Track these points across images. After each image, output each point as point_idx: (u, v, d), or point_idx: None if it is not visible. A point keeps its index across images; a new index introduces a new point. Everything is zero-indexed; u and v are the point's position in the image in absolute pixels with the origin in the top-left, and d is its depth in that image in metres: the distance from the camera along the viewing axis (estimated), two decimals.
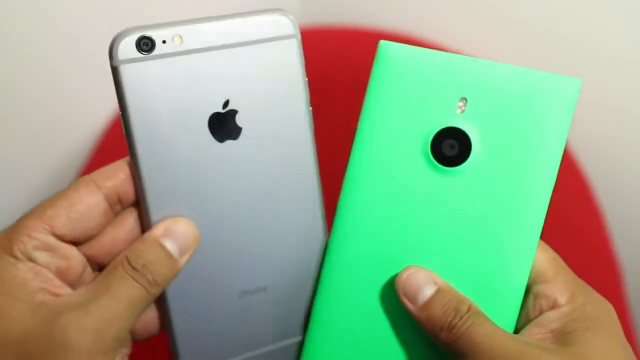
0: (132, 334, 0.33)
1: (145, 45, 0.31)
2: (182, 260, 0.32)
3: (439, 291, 0.32)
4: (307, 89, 0.34)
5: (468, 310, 0.31)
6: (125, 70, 0.31)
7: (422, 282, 0.32)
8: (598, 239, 0.63)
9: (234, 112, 0.33)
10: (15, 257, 0.30)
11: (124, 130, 0.32)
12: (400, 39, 0.36)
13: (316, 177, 0.35)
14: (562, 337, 0.30)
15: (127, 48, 0.31)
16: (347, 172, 0.34)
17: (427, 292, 0.32)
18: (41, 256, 0.30)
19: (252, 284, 0.34)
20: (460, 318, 0.30)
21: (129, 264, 0.30)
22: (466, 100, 0.32)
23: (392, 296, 0.33)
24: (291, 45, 0.33)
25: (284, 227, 0.34)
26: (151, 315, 0.34)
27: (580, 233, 0.62)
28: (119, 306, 0.29)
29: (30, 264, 0.30)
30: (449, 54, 0.33)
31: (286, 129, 0.34)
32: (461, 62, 0.33)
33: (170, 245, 0.31)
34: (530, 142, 0.32)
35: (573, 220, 0.61)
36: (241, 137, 0.33)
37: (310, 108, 0.34)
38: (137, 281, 0.30)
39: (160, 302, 0.34)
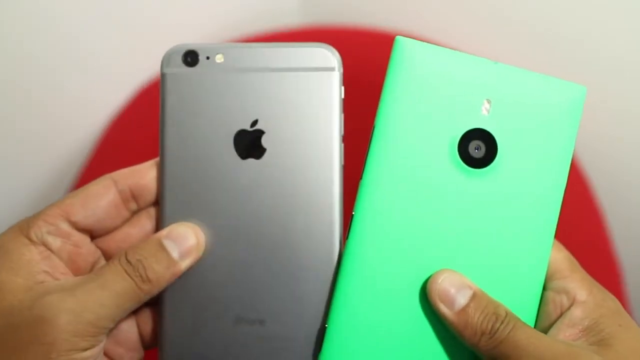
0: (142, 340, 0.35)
1: (191, 59, 0.34)
2: (182, 264, 0.32)
3: (475, 295, 0.31)
4: (342, 124, 0.34)
5: (507, 315, 0.31)
6: (169, 79, 0.34)
7: (458, 287, 0.31)
8: (598, 239, 0.63)
9: (260, 133, 0.33)
10: (30, 239, 0.32)
11: (159, 132, 0.34)
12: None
13: (338, 215, 0.33)
14: (596, 334, 0.30)
15: (175, 59, 0.34)
16: (365, 174, 0.33)
17: (464, 296, 0.31)
18: (55, 241, 0.32)
19: (251, 313, 0.33)
20: (502, 322, 0.30)
21: (125, 257, 0.31)
22: (490, 101, 0.32)
23: (416, 301, 0.32)
24: (331, 78, 0.33)
25: (293, 263, 0.33)
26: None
27: (580, 233, 0.62)
28: (103, 293, 0.30)
29: (42, 248, 0.32)
30: (467, 54, 0.33)
31: (312, 159, 0.33)
32: (482, 63, 0.33)
33: (169, 246, 0.32)
34: (544, 143, 0.32)
35: (573, 220, 0.61)
36: (264, 158, 0.33)
37: (343, 144, 0.34)
38: (128, 274, 0.31)
39: (156, 309, 0.34)
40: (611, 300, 0.32)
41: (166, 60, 0.34)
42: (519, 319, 0.31)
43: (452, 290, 0.31)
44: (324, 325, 0.33)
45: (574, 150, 0.31)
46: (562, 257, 0.33)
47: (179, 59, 0.34)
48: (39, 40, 0.61)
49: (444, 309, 0.31)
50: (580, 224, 0.63)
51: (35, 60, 0.62)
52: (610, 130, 0.65)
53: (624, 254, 0.65)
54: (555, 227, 0.33)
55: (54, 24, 0.62)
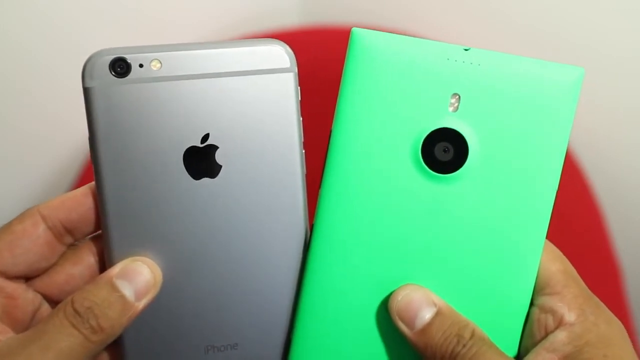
0: None
1: (120, 67, 0.29)
2: (139, 305, 0.28)
3: (438, 314, 0.29)
4: (301, 128, 0.30)
5: (472, 337, 0.28)
6: (96, 93, 0.29)
7: (419, 304, 0.29)
8: (598, 239, 0.63)
9: (213, 148, 0.30)
10: None
11: (91, 156, 0.30)
12: None
13: (303, 230, 0.31)
14: None
15: (101, 69, 0.29)
16: (323, 184, 0.30)
17: (426, 315, 0.29)
18: None
19: (221, 339, 0.31)
20: (464, 345, 0.28)
21: (72, 306, 0.27)
22: (459, 96, 0.29)
23: (384, 320, 0.30)
24: (286, 80, 0.30)
25: (261, 281, 0.31)
26: None
27: (580, 233, 0.62)
28: (47, 356, 0.26)
29: None
30: (434, 42, 0.29)
31: (273, 173, 0.30)
32: (450, 51, 0.29)
33: (124, 287, 0.28)
34: (532, 139, 0.29)
35: (573, 220, 0.61)
36: (220, 176, 0.30)
37: (303, 150, 0.31)
38: (75, 327, 0.27)
39: (116, 348, 0.31)
40: (606, 325, 0.28)
41: (89, 71, 0.29)
42: (486, 342, 0.28)
43: (413, 308, 0.29)
44: (290, 338, 0.31)
45: (573, 149, 0.29)
46: (556, 268, 0.29)
47: (105, 68, 0.29)
48: (39, 40, 0.61)
49: (403, 327, 0.29)
50: (580, 224, 0.63)
51: (35, 60, 0.62)
52: (611, 130, 0.65)
53: (624, 254, 0.65)
54: (545, 234, 0.29)
55: (54, 23, 0.62)
